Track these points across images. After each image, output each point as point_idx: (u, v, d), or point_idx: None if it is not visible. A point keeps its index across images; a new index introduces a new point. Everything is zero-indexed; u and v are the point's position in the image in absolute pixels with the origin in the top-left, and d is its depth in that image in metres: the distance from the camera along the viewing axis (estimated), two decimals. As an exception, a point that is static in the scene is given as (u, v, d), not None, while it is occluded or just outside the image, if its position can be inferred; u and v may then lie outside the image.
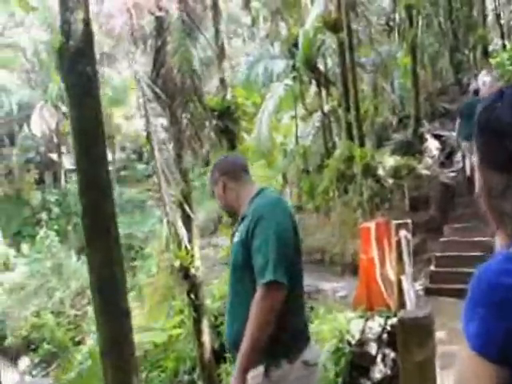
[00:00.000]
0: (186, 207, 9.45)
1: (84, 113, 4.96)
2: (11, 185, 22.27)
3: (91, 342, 13.74)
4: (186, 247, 8.91)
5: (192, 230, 9.56)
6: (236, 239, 2.55)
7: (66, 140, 25.05)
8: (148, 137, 9.47)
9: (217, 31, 10.50)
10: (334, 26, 11.39)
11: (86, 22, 4.96)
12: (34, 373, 16.24)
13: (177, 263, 8.89)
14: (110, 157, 25.53)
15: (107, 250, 5.17)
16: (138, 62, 9.07)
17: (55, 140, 24.89)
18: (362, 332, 5.86)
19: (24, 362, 16.56)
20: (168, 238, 9.45)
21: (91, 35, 5.01)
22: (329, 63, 14.05)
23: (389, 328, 5.71)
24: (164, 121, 9.22)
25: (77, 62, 4.93)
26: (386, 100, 15.00)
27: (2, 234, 20.46)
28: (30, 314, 16.50)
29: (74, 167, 24.98)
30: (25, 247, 19.26)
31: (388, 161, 11.57)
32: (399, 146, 12.83)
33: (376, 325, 5.91)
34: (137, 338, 11.96)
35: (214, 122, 10.00)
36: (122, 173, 26.16)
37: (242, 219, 2.58)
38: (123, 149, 26.74)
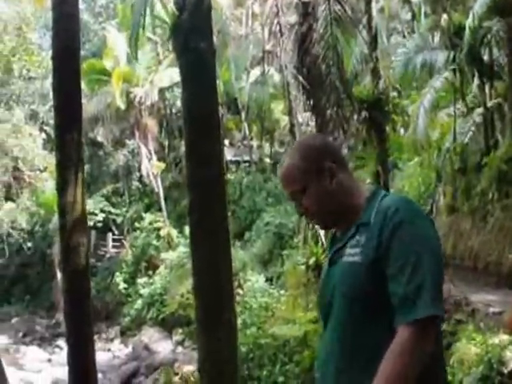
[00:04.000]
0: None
1: (196, 94, 4.14)
2: (180, 173, 22.89)
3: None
4: (322, 245, 7.93)
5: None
6: (349, 259, 1.62)
7: (230, 133, 25.23)
8: (291, 129, 8.64)
9: (369, 20, 9.25)
10: (503, 9, 9.56)
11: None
12: (186, 344, 16.46)
13: (312, 260, 7.93)
14: (267, 150, 25.45)
15: (213, 252, 4.32)
16: (284, 51, 8.24)
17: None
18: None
19: (177, 333, 16.87)
20: (307, 234, 8.55)
21: (209, 10, 4.19)
22: (494, 53, 12.07)
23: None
24: (307, 113, 8.32)
25: (191, 39, 4.13)
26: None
27: (167, 215, 21.08)
28: (185, 291, 16.64)
29: (235, 158, 25.07)
30: (187, 229, 19.55)
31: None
32: None
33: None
34: (276, 329, 11.43)
35: (363, 113, 8.84)
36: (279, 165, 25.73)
37: (356, 229, 1.64)
38: (282, 143, 26.38)
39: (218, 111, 4.45)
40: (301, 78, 8.03)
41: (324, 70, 7.89)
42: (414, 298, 1.47)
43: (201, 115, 4.17)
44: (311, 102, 8.40)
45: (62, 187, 5.36)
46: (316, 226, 7.97)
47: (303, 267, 10.14)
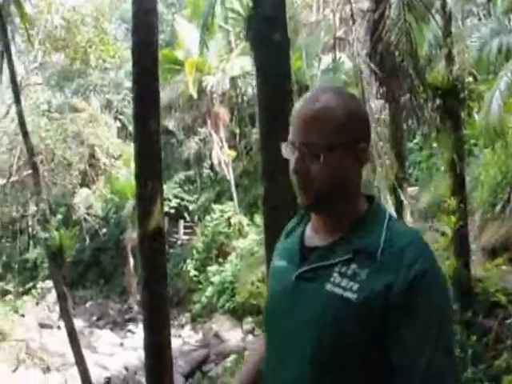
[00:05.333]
0: (400, 192, 8.38)
1: (271, 84, 4.31)
2: (250, 162, 23.13)
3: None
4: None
5: (404, 216, 8.45)
6: (338, 291, 1.24)
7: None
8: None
9: (443, 3, 9.04)
10: None
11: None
12: (255, 333, 16.70)
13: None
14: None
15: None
16: (356, 39, 8.25)
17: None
18: None
19: (247, 322, 17.12)
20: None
21: (283, 1, 4.34)
22: None
23: None
24: (380, 101, 8.30)
25: (265, 29, 4.30)
26: None
27: (238, 203, 21.41)
28: (255, 280, 16.88)
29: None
30: (257, 217, 19.81)
31: None
32: None
33: None
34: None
35: (437, 101, 8.71)
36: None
37: (354, 254, 1.26)
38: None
39: (293, 99, 4.58)
40: (373, 66, 8.00)
41: (397, 57, 7.84)
42: (441, 373, 1.15)
43: (275, 103, 4.31)
44: (384, 90, 8.35)
45: (140, 175, 5.69)
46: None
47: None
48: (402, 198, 8.19)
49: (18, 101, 10.69)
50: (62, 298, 10.16)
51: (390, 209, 8.02)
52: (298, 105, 1.33)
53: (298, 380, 1.27)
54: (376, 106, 8.48)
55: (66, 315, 10.17)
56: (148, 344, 5.76)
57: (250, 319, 17.07)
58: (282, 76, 4.40)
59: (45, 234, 9.57)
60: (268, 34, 4.29)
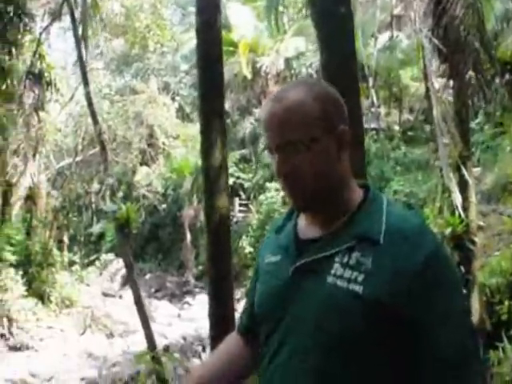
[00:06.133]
0: (464, 171, 8.05)
1: (337, 58, 4.19)
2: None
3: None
4: (459, 215, 7.66)
5: (469, 197, 8.14)
6: (341, 283, 1.14)
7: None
8: (427, 95, 8.34)
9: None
10: None
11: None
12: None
13: (448, 231, 7.68)
14: (395, 117, 24.73)
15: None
16: (418, 14, 7.96)
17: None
18: None
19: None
20: (442, 203, 8.27)
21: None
22: None
23: None
24: (443, 78, 7.98)
25: (329, 4, 4.17)
26: None
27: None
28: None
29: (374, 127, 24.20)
30: (311, 196, 19.79)
31: None
32: None
33: None
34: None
35: (506, 76, 8.30)
36: (409, 133, 24.97)
37: (356, 242, 1.17)
38: (411, 110, 25.40)
39: (358, 76, 4.45)
40: (436, 41, 7.70)
41: (462, 32, 7.51)
42: (459, 365, 1.09)
43: (341, 80, 4.18)
44: (447, 66, 8.03)
45: (206, 152, 5.71)
46: (453, 197, 7.70)
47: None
48: (467, 177, 7.88)
49: (86, 83, 10.94)
50: (129, 268, 10.42)
51: (454, 188, 7.76)
52: (265, 109, 1.25)
53: (299, 381, 1.17)
54: (439, 83, 8.17)
55: (132, 284, 10.43)
56: (213, 315, 5.82)
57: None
58: (348, 50, 4.27)
59: (113, 207, 9.84)
60: (332, 8, 4.15)
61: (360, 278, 1.12)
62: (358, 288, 1.12)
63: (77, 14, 12.11)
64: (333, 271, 1.16)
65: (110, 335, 15.45)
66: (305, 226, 1.30)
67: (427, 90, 7.95)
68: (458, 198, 7.68)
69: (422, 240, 1.13)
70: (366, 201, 1.24)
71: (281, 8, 21.64)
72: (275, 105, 1.22)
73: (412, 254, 1.11)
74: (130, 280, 10.69)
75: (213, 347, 5.96)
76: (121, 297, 19.18)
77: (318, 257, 1.20)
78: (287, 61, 22.28)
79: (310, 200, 1.23)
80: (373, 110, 23.83)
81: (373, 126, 23.31)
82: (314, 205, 1.24)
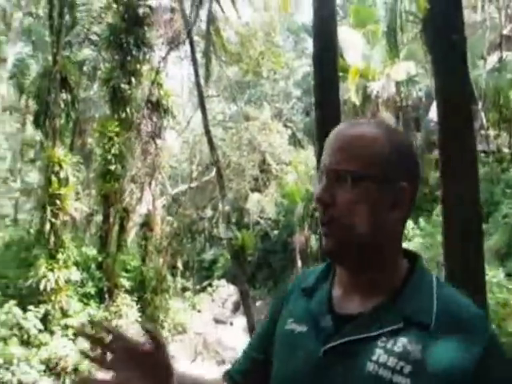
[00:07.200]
0: None
1: (451, 85, 4.04)
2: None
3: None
4: None
5: None
6: (384, 373, 0.97)
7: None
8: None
9: None
10: None
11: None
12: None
13: None
14: (505, 139, 23.25)
15: (465, 240, 4.19)
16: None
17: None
18: None
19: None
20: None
21: (459, 1, 4.00)
22: None
23: None
24: None
25: (443, 30, 3.99)
26: None
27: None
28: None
29: (483, 149, 23.17)
30: (421, 221, 18.96)
31: None
32: None
33: None
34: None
35: None
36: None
37: (405, 325, 1.00)
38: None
39: (472, 101, 4.26)
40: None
41: None
42: None
43: (456, 105, 4.05)
44: None
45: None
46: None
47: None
48: None
49: (203, 111, 11.33)
50: (244, 295, 10.48)
51: None
52: (336, 129, 1.12)
53: None
54: None
55: (247, 310, 10.46)
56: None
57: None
58: (462, 77, 4.09)
59: (228, 234, 9.96)
60: (446, 35, 3.99)
61: (407, 370, 0.96)
62: (405, 381, 0.95)
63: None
64: (375, 357, 0.99)
65: (222, 362, 15.59)
66: (341, 297, 1.12)
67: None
68: None
69: (480, 330, 0.98)
70: (412, 274, 1.07)
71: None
72: (348, 128, 1.11)
73: (468, 346, 0.96)
74: (244, 307, 10.76)
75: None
76: (231, 323, 19.36)
77: (358, 337, 1.02)
78: (397, 84, 21.83)
79: (338, 244, 1.06)
80: (482, 132, 22.75)
81: (482, 148, 22.28)
82: (348, 255, 1.07)
